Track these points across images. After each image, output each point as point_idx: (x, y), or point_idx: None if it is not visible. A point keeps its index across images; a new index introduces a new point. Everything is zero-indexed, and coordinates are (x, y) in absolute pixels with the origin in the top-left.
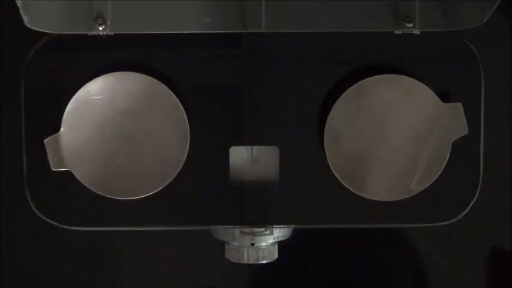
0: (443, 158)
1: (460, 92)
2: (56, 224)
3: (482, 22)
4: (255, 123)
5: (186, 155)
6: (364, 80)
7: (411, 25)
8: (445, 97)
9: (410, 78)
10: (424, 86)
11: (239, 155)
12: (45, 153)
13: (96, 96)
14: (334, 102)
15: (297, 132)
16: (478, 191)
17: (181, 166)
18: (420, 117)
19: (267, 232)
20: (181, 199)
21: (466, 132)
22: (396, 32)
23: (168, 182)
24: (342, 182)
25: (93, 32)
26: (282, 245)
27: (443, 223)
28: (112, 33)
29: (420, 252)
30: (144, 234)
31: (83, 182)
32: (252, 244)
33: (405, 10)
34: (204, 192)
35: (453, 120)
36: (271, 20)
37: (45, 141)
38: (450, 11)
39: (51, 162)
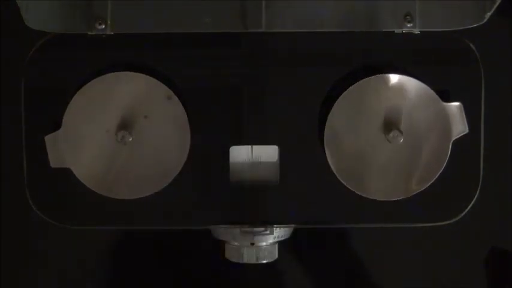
0: (443, 157)
1: (460, 92)
2: (56, 224)
3: (482, 22)
4: (255, 123)
5: (186, 155)
6: (364, 80)
7: (411, 25)
8: (445, 97)
9: (410, 78)
10: (424, 86)
11: (239, 155)
12: (45, 153)
13: (96, 96)
14: (334, 102)
15: (297, 132)
16: (478, 191)
17: (181, 166)
18: (420, 117)
19: (267, 232)
20: (181, 199)
21: (466, 131)
22: (396, 31)
23: (168, 182)
24: (342, 182)
25: (93, 32)
26: (282, 245)
27: (443, 223)
28: (112, 33)
29: (420, 252)
30: (144, 234)
31: (82, 181)
32: (252, 244)
33: (405, 10)
34: (204, 192)
35: (453, 120)
36: (271, 20)
37: (45, 138)
38: (450, 11)
39: (50, 159)
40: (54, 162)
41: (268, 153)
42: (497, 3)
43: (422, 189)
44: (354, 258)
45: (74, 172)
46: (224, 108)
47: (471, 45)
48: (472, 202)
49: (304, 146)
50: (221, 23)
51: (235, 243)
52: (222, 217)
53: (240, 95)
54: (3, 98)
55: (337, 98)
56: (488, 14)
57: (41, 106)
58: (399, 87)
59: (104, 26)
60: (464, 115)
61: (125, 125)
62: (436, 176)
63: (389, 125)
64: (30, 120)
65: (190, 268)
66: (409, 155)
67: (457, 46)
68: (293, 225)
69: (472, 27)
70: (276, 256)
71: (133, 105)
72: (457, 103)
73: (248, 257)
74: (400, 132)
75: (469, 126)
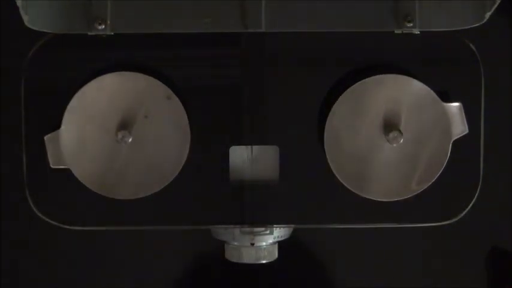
0: (444, 157)
1: (460, 92)
2: (56, 224)
3: (482, 22)
4: (255, 123)
5: (186, 155)
6: (364, 80)
7: (411, 25)
8: (445, 97)
9: (410, 78)
10: (424, 86)
11: (239, 155)
12: (45, 153)
13: (96, 96)
14: (334, 102)
15: (297, 132)
16: (478, 191)
17: (181, 166)
18: (420, 117)
19: (267, 232)
20: (181, 199)
21: (466, 132)
22: (396, 32)
23: (168, 182)
24: (342, 182)
25: (93, 32)
26: (282, 245)
27: (443, 223)
28: (112, 33)
29: (420, 252)
30: (144, 234)
31: (82, 181)
32: (252, 244)
33: (405, 10)
34: (204, 192)
35: (453, 120)
36: (271, 20)
37: (45, 138)
38: (450, 11)
39: (50, 159)
40: (54, 162)
41: (268, 153)
42: (497, 3)
43: (422, 189)
44: (353, 258)
45: (74, 172)
46: (224, 108)
47: (471, 45)
48: (472, 202)
49: (304, 146)
50: (221, 23)
51: (235, 243)
52: (222, 217)
53: (240, 95)
54: (3, 98)
55: (337, 98)
56: (488, 14)
57: (41, 106)
58: (399, 88)
59: (103, 26)
60: (464, 115)
61: (125, 125)
62: (436, 176)
63: (389, 125)
64: (30, 120)
65: (190, 268)
66: (409, 155)
67: (457, 46)
68: (293, 225)
69: (472, 27)
70: (276, 256)
71: (133, 105)
72: (457, 103)
73: (248, 257)
74: (400, 132)
75: (469, 126)
